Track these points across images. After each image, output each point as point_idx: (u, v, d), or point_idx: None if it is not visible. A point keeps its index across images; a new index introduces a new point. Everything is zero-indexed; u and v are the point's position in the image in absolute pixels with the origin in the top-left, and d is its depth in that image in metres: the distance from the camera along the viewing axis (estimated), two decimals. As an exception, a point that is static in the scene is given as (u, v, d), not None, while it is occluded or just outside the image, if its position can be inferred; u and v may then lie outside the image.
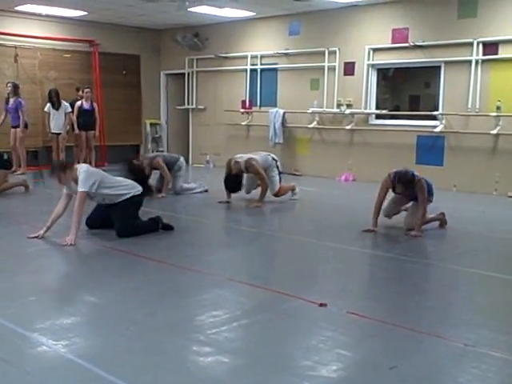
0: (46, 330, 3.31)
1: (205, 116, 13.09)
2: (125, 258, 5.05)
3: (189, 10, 10.74)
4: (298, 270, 4.89)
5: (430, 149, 9.55)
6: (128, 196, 5.68)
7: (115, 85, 12.80)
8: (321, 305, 3.76)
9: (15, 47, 11.40)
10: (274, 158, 8.03)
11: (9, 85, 10.50)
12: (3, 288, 4.11)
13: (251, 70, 12.01)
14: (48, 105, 10.88)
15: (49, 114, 10.88)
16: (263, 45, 11.73)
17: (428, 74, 10.53)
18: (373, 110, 10.44)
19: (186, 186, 8.71)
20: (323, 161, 11.00)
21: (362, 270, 5.12)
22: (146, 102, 13.57)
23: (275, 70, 11.67)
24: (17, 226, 6.36)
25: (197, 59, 12.94)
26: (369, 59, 10.29)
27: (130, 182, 5.88)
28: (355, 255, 5.45)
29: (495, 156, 9.06)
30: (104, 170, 6.11)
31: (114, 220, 5.69)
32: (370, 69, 10.36)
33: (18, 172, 10.05)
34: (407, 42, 9.72)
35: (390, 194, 6.29)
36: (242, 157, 7.65)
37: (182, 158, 8.81)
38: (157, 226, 5.93)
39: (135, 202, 5.80)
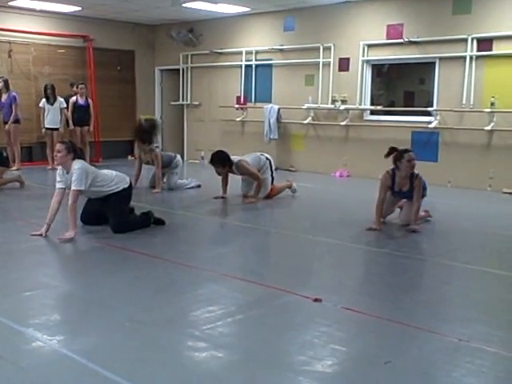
0: (41, 325, 3.31)
1: (200, 112, 13.08)
2: (120, 254, 5.05)
3: (183, 5, 10.71)
4: (293, 265, 4.90)
5: (425, 145, 9.57)
6: (116, 190, 5.70)
7: (110, 80, 12.78)
8: (315, 300, 3.77)
9: (9, 42, 11.35)
10: (267, 158, 8.04)
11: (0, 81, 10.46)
12: (-2, 284, 4.11)
13: (246, 66, 12.00)
14: (43, 100, 10.85)
15: (43, 109, 10.85)
16: (258, 41, 11.72)
17: (422, 70, 10.55)
18: (367, 105, 10.45)
19: (179, 181, 8.74)
20: (318, 157, 11.01)
21: (357, 266, 5.13)
22: (140, 98, 13.54)
23: (270, 65, 11.67)
24: (12, 221, 6.34)
25: (191, 55, 12.92)
26: (363, 55, 10.29)
27: (117, 174, 5.87)
28: (350, 251, 5.46)
29: (489, 152, 9.09)
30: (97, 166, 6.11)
31: (109, 216, 5.71)
32: (365, 65, 10.36)
33: (13, 168, 10.02)
34: (402, 37, 9.73)
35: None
36: (234, 158, 7.65)
37: (178, 157, 8.91)
38: (149, 221, 5.95)
39: (125, 195, 5.82)
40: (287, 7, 10.91)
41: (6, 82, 10.47)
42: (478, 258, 5.16)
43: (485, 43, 8.97)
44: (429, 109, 9.62)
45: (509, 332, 3.41)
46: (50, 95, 10.78)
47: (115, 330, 3.29)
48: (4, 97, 10.44)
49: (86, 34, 12.32)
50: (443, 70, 9.49)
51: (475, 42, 9.03)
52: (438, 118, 9.51)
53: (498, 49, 8.86)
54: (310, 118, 11.04)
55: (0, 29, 11.15)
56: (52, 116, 10.85)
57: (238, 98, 12.20)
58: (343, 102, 10.54)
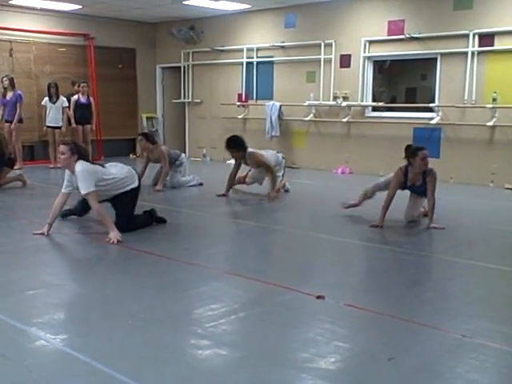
0: (45, 324, 3.31)
1: (201, 109, 13.07)
2: (123, 252, 5.05)
3: (184, 2, 10.71)
4: (296, 262, 4.90)
5: (427, 141, 9.52)
6: (125, 190, 5.65)
7: (111, 78, 12.77)
8: (318, 297, 3.77)
9: (10, 41, 11.34)
10: (283, 157, 8.24)
11: (4, 79, 10.46)
12: (1, 283, 4.11)
13: (247, 63, 11.99)
14: (45, 98, 10.85)
15: (45, 107, 10.85)
16: (259, 37, 11.70)
17: (424, 66, 10.53)
18: (369, 102, 10.44)
19: (182, 179, 8.73)
20: (320, 153, 11.00)
21: (360, 262, 5.13)
22: (141, 96, 13.54)
23: (271, 62, 11.65)
24: (15, 220, 6.34)
25: (192, 52, 12.90)
26: (365, 51, 10.27)
27: (127, 173, 5.74)
28: (352, 248, 5.46)
29: (492, 148, 9.07)
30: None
31: (116, 214, 5.66)
32: (366, 61, 10.34)
33: (16, 167, 10.02)
34: (403, 33, 9.71)
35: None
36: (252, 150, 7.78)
37: (183, 155, 8.98)
38: (152, 219, 5.95)
39: (134, 195, 5.76)
40: (288, 4, 10.90)
41: (11, 80, 10.46)
42: (481, 253, 5.15)
43: (486, 39, 8.94)
44: (431, 105, 9.61)
45: (512, 328, 3.41)
46: (53, 94, 10.79)
47: (118, 328, 3.29)
48: (9, 95, 10.43)
49: (87, 32, 12.30)
50: (445, 65, 9.47)
51: (477, 37, 9.01)
52: (440, 113, 9.50)
53: (499, 44, 8.84)
54: (311, 114, 11.02)
55: (1, 28, 11.14)
56: (54, 114, 10.86)
57: (240, 95, 12.19)
58: (345, 98, 10.52)
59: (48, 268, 4.57)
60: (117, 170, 5.69)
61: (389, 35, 9.94)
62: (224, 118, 12.40)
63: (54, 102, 10.82)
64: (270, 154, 7.99)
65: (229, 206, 7.52)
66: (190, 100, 13.17)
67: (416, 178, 6.12)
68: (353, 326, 3.43)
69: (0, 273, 4.35)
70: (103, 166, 5.66)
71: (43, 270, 4.45)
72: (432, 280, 4.56)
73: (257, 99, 11.90)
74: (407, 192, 6.31)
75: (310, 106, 10.96)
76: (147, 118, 13.70)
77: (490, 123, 8.88)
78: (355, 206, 6.51)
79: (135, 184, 5.74)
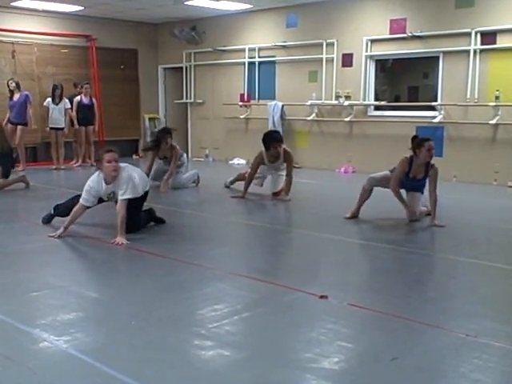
0: (48, 325, 3.31)
1: (203, 110, 13.08)
2: (126, 253, 5.05)
3: (185, 3, 10.72)
4: (299, 262, 4.90)
5: (430, 139, 9.54)
6: (140, 195, 5.56)
7: (113, 79, 12.79)
8: (321, 297, 3.76)
9: (12, 43, 11.37)
10: None
11: (11, 81, 10.48)
12: (4, 284, 4.12)
13: (249, 63, 11.99)
14: (48, 99, 10.86)
15: (48, 108, 10.86)
16: (261, 37, 11.70)
17: (426, 65, 10.52)
18: (371, 101, 10.43)
19: (184, 179, 8.67)
20: (322, 153, 10.99)
21: (363, 262, 5.12)
22: (144, 97, 13.55)
23: (273, 62, 11.65)
24: (18, 222, 6.36)
25: (194, 53, 12.91)
26: (367, 50, 10.27)
27: (142, 177, 5.69)
28: (355, 247, 5.46)
29: (495, 146, 9.06)
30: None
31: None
32: (368, 60, 10.34)
33: (19, 169, 10.05)
34: (405, 32, 9.70)
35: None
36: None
37: (185, 155, 8.94)
38: (150, 218, 5.95)
39: (144, 198, 5.72)
40: (289, 3, 10.90)
41: (17, 83, 10.48)
42: (484, 252, 5.14)
43: (488, 37, 8.93)
44: (433, 103, 9.59)
45: (516, 327, 3.40)
46: (58, 95, 10.79)
47: (121, 330, 3.29)
48: (16, 96, 10.44)
49: (89, 33, 12.34)
50: (447, 64, 9.45)
51: (479, 35, 9.00)
52: (443, 112, 9.49)
53: (501, 42, 8.83)
54: (313, 114, 11.02)
55: (3, 29, 11.18)
56: (56, 116, 10.86)
57: (242, 95, 12.19)
58: (347, 97, 10.52)
59: (51, 269, 4.58)
60: (137, 174, 5.58)
61: (391, 34, 9.93)
62: (226, 118, 12.41)
63: (57, 104, 10.83)
64: None
65: (232, 206, 7.51)
66: (192, 100, 13.18)
67: (418, 171, 6.13)
68: (356, 325, 3.43)
69: (4, 274, 4.37)
70: None
71: (47, 272, 4.46)
72: (435, 279, 4.55)
73: (259, 99, 11.90)
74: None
75: (312, 105, 10.96)
76: (149, 118, 13.71)
77: (493, 121, 8.87)
78: (356, 213, 6.42)
79: (147, 188, 5.74)
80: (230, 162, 12.03)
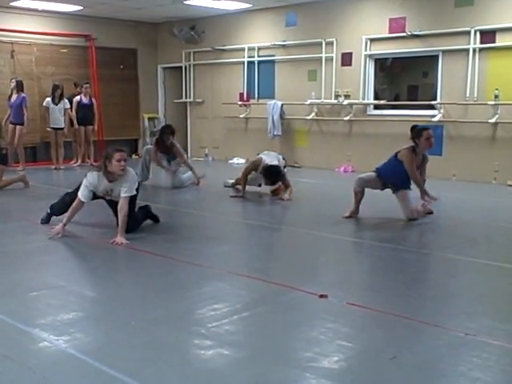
0: (48, 325, 3.32)
1: (203, 109, 13.07)
2: (124, 253, 5.05)
3: (185, 2, 10.72)
4: (298, 261, 4.90)
5: (429, 138, 9.54)
6: (134, 193, 5.60)
7: (112, 79, 12.78)
8: (321, 296, 3.76)
9: (11, 43, 11.36)
10: (284, 158, 8.18)
11: (12, 81, 10.47)
12: (4, 284, 4.12)
13: (248, 63, 11.99)
14: (47, 99, 10.85)
15: (47, 108, 10.85)
16: (260, 37, 11.70)
17: (426, 64, 10.52)
18: (371, 100, 10.43)
19: (183, 178, 8.69)
20: (322, 152, 10.99)
21: (362, 261, 5.12)
22: (143, 96, 13.55)
23: (273, 61, 11.65)
24: (17, 222, 6.35)
25: (194, 52, 12.91)
26: (366, 49, 10.27)
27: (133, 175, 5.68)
28: (354, 246, 5.47)
29: (494, 145, 9.06)
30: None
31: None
32: (368, 59, 10.33)
33: (18, 168, 10.05)
34: (404, 31, 9.70)
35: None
36: (268, 163, 7.55)
37: (185, 155, 8.96)
38: (147, 215, 5.95)
39: (136, 195, 5.73)
40: (289, 2, 10.89)
41: (18, 83, 10.43)
42: (484, 251, 5.15)
43: (488, 35, 8.93)
44: (432, 102, 9.59)
45: (515, 325, 3.40)
46: (58, 96, 10.77)
47: (121, 329, 3.29)
48: (14, 97, 10.43)
49: (88, 33, 12.33)
50: (446, 62, 9.45)
51: (478, 34, 9.00)
52: (442, 111, 9.49)
53: (501, 41, 8.83)
54: (313, 113, 11.02)
55: (2, 29, 11.17)
56: (56, 116, 10.85)
57: (241, 94, 12.19)
58: (346, 96, 10.52)
59: (51, 269, 4.58)
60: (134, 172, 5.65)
61: (390, 33, 9.93)
62: (226, 118, 12.41)
63: (57, 104, 10.82)
64: (272, 156, 7.92)
65: (231, 205, 7.52)
66: (191, 100, 13.18)
67: (418, 161, 6.18)
68: (355, 324, 3.43)
69: (3, 274, 4.37)
70: None
71: (46, 272, 4.46)
72: (434, 278, 4.56)
73: (258, 98, 11.90)
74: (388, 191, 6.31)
75: (311, 104, 10.96)
76: (149, 118, 13.71)
77: (492, 120, 8.87)
78: (355, 212, 6.41)
79: (136, 184, 5.74)
80: (230, 161, 12.03)
